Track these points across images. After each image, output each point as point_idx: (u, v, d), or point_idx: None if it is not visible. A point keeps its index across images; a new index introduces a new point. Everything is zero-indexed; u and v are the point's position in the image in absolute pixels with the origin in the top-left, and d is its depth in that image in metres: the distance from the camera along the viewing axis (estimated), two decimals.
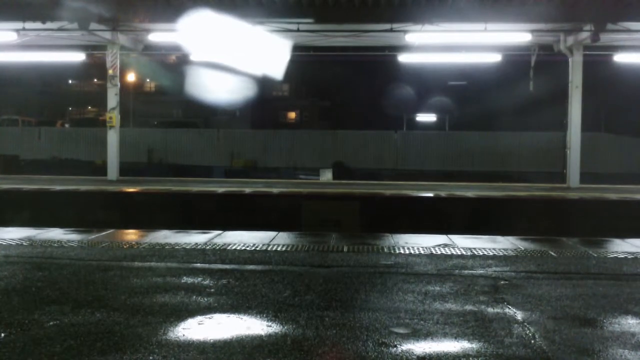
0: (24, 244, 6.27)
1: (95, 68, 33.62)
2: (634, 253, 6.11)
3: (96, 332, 3.37)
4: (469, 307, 3.98)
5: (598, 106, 29.13)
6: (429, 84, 35.26)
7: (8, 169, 20.58)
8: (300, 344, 3.22)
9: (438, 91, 36.53)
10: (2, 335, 3.31)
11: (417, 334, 3.42)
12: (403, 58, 16.91)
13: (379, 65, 28.52)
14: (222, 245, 6.24)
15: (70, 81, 46.99)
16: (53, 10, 13.40)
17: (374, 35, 15.30)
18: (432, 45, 15.74)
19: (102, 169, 17.56)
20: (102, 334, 3.34)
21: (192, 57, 18.39)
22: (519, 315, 3.82)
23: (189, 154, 27.50)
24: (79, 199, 12.47)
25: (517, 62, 18.16)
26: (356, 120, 34.49)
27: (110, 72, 15.77)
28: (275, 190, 13.31)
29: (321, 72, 33.68)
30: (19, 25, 14.52)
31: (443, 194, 12.88)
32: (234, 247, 6.14)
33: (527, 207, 12.04)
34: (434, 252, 6.02)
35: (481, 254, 5.93)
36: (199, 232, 7.18)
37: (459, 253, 5.95)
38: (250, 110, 41.10)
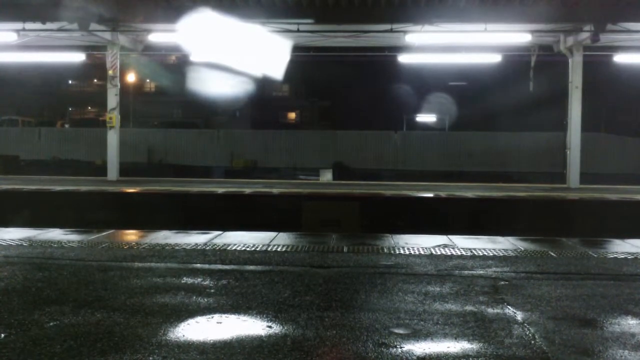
0: (24, 244, 6.27)
1: (95, 68, 33.67)
2: (634, 253, 6.10)
3: (96, 332, 3.37)
4: (469, 308, 3.98)
5: (598, 106, 29.12)
6: (429, 85, 35.24)
7: (8, 170, 20.58)
8: (300, 345, 3.22)
9: (438, 91, 36.49)
10: (2, 335, 3.31)
11: (417, 335, 3.42)
12: (403, 58, 16.94)
13: (379, 65, 28.47)
14: (222, 246, 6.23)
15: (70, 81, 46.97)
16: (53, 10, 13.41)
17: (374, 35, 15.32)
18: (432, 46, 15.77)
19: (102, 169, 17.57)
20: (102, 334, 3.33)
21: (192, 58, 18.39)
22: (519, 316, 3.82)
23: (189, 154, 27.49)
24: (79, 200, 12.47)
25: (517, 63, 18.20)
26: (356, 120, 34.43)
27: (110, 72, 15.77)
28: (275, 190, 13.31)
29: (321, 73, 33.60)
30: (19, 25, 14.54)
31: (443, 194, 12.87)
32: (234, 248, 6.14)
33: (527, 208, 12.03)
34: (434, 252, 6.01)
35: (481, 254, 5.93)
36: (199, 233, 7.17)
37: (459, 253, 5.94)
38: (250, 110, 41.07)
